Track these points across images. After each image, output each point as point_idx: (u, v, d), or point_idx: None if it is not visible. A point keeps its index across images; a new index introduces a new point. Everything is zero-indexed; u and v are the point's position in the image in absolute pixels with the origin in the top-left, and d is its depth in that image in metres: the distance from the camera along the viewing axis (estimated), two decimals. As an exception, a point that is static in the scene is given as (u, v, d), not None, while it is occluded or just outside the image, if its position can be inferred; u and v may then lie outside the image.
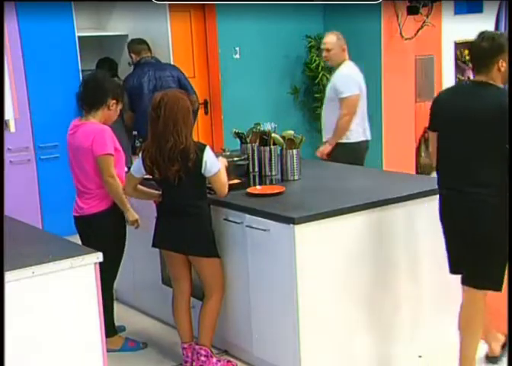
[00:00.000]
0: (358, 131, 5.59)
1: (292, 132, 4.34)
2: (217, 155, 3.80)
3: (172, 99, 3.58)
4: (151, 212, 3.98)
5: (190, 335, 3.88)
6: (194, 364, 3.82)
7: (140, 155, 3.72)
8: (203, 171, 3.60)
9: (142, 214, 4.05)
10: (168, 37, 6.48)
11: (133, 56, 6.30)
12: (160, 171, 3.61)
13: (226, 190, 3.73)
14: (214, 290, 3.79)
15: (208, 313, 3.79)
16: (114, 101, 3.99)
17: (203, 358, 3.79)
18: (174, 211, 3.69)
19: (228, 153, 4.46)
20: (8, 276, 2.71)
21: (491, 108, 3.29)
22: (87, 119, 3.98)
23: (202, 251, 3.70)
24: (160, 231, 3.76)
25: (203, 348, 3.80)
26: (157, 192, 3.83)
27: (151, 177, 3.75)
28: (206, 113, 7.21)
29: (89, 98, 3.96)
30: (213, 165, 3.63)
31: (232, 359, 3.95)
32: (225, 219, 3.81)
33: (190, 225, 3.67)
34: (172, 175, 3.58)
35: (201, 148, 3.61)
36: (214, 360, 3.82)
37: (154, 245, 3.81)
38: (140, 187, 3.88)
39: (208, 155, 3.61)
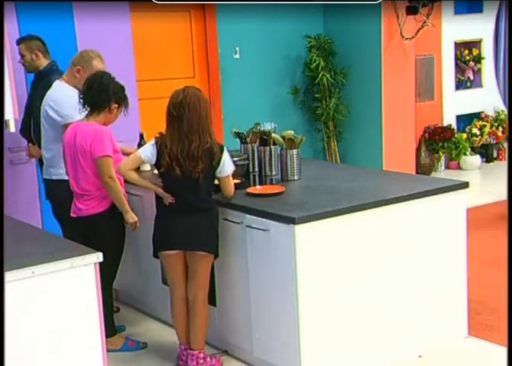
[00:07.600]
0: None
1: (292, 132, 4.34)
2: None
3: (194, 98, 3.57)
4: (151, 213, 3.97)
5: (188, 337, 3.87)
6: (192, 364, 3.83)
7: (154, 141, 3.65)
8: (218, 170, 3.63)
9: (141, 215, 4.05)
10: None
11: (40, 56, 4.88)
12: (182, 169, 3.58)
13: (233, 193, 3.78)
14: (201, 287, 3.75)
15: (198, 318, 3.77)
16: (116, 105, 3.98)
17: (201, 361, 3.80)
18: (187, 207, 3.64)
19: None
20: (9, 276, 2.71)
21: None
22: (87, 119, 3.97)
23: (210, 247, 3.69)
24: (165, 231, 3.70)
25: (201, 352, 3.81)
26: (153, 185, 3.76)
27: (150, 169, 3.69)
28: (206, 113, 7.20)
29: (92, 100, 3.95)
30: (229, 166, 3.69)
31: (232, 359, 3.96)
32: (225, 219, 3.81)
33: (203, 220, 3.66)
34: (196, 174, 3.57)
35: (221, 148, 3.65)
36: (208, 359, 3.84)
37: (156, 250, 3.77)
38: (135, 172, 3.80)
39: (226, 155, 3.66)
